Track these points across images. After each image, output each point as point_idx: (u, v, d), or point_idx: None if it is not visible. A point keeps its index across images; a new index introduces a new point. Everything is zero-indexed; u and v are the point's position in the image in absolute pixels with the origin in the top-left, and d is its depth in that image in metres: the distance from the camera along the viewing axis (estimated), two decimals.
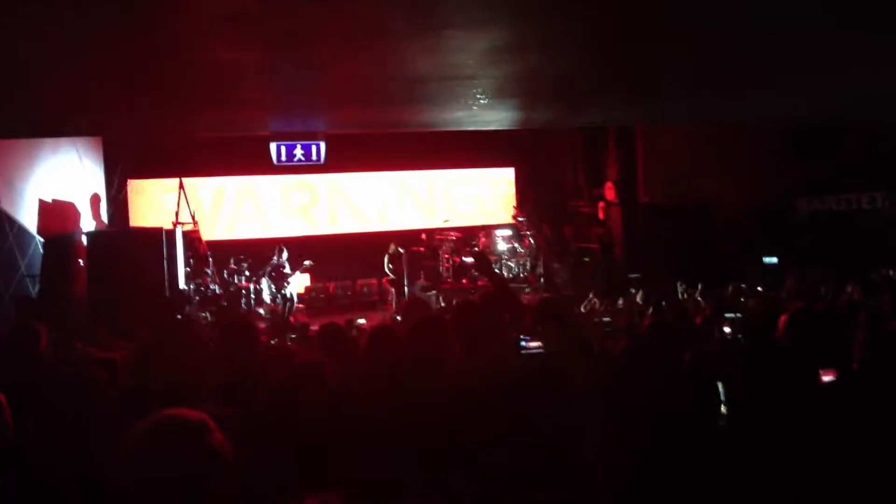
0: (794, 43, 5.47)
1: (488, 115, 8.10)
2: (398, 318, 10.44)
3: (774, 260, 12.35)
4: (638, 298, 10.62)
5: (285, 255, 13.68)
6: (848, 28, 5.09)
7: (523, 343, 3.67)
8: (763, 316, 6.99)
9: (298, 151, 8.24)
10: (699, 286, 10.42)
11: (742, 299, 9.36)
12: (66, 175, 12.28)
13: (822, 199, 13.05)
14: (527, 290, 13.87)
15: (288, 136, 8.18)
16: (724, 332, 6.39)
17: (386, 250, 14.11)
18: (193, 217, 13.60)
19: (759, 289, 10.36)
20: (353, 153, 13.76)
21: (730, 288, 10.29)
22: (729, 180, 13.51)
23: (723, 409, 4.21)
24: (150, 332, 4.05)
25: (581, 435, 3.15)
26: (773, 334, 4.54)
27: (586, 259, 14.47)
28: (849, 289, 8.36)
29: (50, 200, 11.56)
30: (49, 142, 11.51)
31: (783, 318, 4.44)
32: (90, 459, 2.67)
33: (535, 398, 3.17)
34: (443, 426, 3.25)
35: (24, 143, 10.74)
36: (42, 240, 11.21)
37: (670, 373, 4.11)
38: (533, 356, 3.67)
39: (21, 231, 10.68)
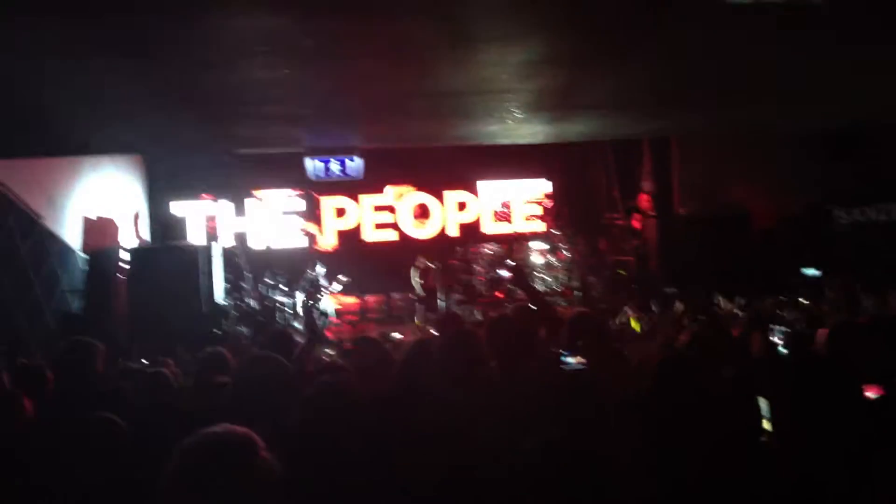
0: (831, 51, 5.41)
1: (523, 129, 8.11)
2: (433, 332, 10.43)
3: (815, 271, 12.13)
4: (675, 311, 10.49)
5: (321, 268, 13.75)
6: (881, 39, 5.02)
7: (565, 359, 3.62)
8: (805, 329, 6.88)
9: (334, 167, 8.29)
10: (737, 299, 10.27)
11: (780, 311, 9.21)
12: (107, 192, 12.51)
13: (862, 209, 12.81)
14: (562, 303, 13.77)
15: (323, 151, 8.24)
16: (765, 345, 6.27)
17: (414, 264, 14.10)
18: (232, 233, 13.78)
19: (801, 301, 10.19)
20: (388, 166, 13.82)
21: (769, 300, 10.13)
22: (765, 190, 13.33)
23: (766, 424, 4.13)
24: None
25: (618, 452, 3.11)
26: (813, 347, 4.45)
27: (622, 272, 14.33)
28: (892, 300, 8.19)
29: (93, 217, 11.78)
30: (90, 160, 11.73)
31: (823, 331, 4.35)
32: (145, 474, 2.71)
33: (573, 415, 3.14)
34: (476, 443, 3.23)
35: (65, 161, 10.96)
36: (86, 256, 11.42)
37: (709, 388, 4.05)
38: (574, 372, 3.62)
39: (63, 247, 10.89)
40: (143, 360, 7.15)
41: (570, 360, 3.58)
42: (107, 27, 4.03)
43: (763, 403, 4.21)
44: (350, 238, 16.32)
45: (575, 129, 8.63)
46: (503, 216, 16.96)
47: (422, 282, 13.97)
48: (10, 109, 6.05)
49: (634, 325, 11.43)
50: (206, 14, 3.94)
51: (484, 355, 4.05)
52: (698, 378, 3.90)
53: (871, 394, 3.80)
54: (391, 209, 16.51)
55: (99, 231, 11.91)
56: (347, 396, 2.74)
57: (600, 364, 3.69)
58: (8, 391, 3.72)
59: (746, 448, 3.82)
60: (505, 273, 13.53)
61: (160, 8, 3.76)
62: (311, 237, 15.57)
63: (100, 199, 12.14)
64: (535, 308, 5.08)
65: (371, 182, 13.88)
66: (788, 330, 6.69)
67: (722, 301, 10.24)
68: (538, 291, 8.54)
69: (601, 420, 3.33)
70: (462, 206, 16.88)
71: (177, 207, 15.19)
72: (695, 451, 3.53)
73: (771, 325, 6.94)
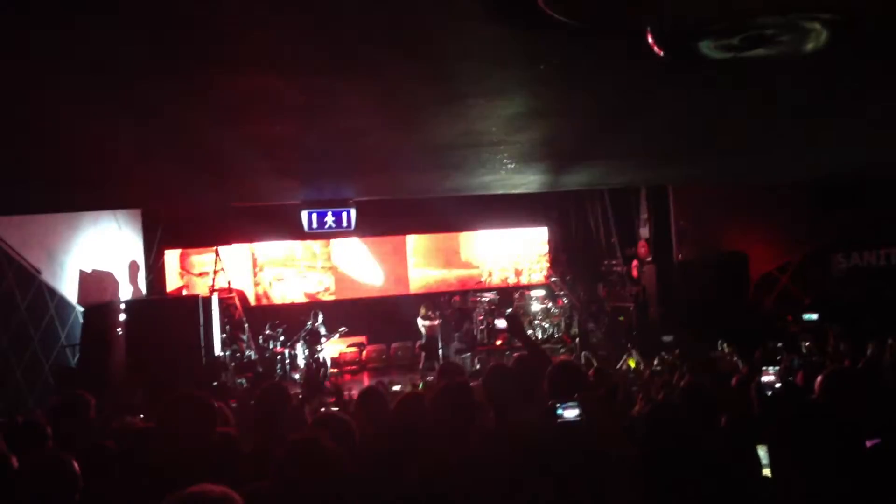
0: (819, 107, 5.48)
1: (517, 179, 8.15)
2: (431, 381, 10.38)
3: (815, 317, 12.11)
4: (673, 358, 10.45)
5: (321, 319, 13.76)
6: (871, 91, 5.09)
7: (560, 412, 3.57)
8: (803, 377, 6.84)
9: (329, 219, 8.35)
10: (735, 346, 10.23)
11: (779, 357, 9.17)
12: (106, 245, 12.58)
13: (861, 255, 12.84)
14: (562, 350, 13.74)
15: (318, 204, 8.30)
16: (763, 392, 6.21)
17: (418, 314, 14.15)
18: (229, 284, 13.81)
19: (806, 344, 10.15)
20: (385, 216, 13.95)
21: (769, 346, 10.09)
22: (763, 236, 13.39)
23: (766, 472, 4.09)
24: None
25: None
26: (811, 396, 4.43)
27: (621, 318, 14.32)
28: (889, 343, 8.15)
29: (90, 271, 11.82)
30: (89, 213, 11.83)
31: (819, 378, 4.32)
32: None
33: (567, 470, 3.12)
34: (468, 497, 3.20)
35: (65, 215, 11.05)
36: (82, 309, 11.43)
37: (705, 438, 4.03)
38: (568, 425, 3.58)
39: (62, 302, 10.91)
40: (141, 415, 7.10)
41: (566, 412, 3.55)
42: (101, 88, 4.10)
43: (762, 451, 4.18)
44: (349, 288, 16.35)
45: (570, 178, 8.67)
46: (502, 264, 17.03)
47: (423, 330, 13.98)
48: (9, 168, 6.13)
49: (631, 362, 11.41)
50: (201, 75, 4.01)
51: (477, 408, 4.02)
52: (690, 428, 3.88)
53: (871, 443, 3.77)
54: (387, 258, 16.60)
55: (96, 284, 11.95)
56: (321, 457, 2.69)
57: (595, 416, 3.66)
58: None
59: (744, 498, 3.80)
60: (502, 323, 13.52)
61: (155, 69, 3.83)
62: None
63: (98, 252, 12.21)
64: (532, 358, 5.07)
65: (368, 231, 13.95)
66: (785, 377, 6.65)
67: (724, 347, 10.19)
68: (535, 341, 8.57)
69: (594, 473, 3.31)
70: (460, 254, 16.96)
71: (174, 258, 15.26)
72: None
73: (765, 368, 6.89)
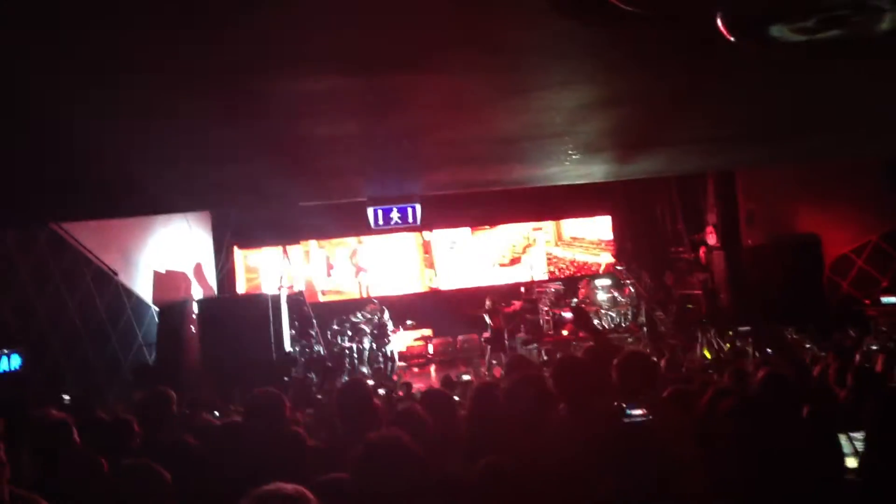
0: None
1: (582, 170, 8.07)
2: (499, 374, 10.38)
3: (893, 300, 11.72)
4: (747, 348, 10.23)
5: (387, 314, 13.89)
6: None
7: (628, 412, 3.54)
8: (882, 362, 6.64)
9: (395, 215, 8.41)
10: (809, 332, 9.96)
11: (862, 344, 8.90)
12: (178, 245, 12.91)
13: None
14: (630, 340, 13.58)
15: (384, 201, 8.37)
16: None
17: (483, 307, 14.15)
18: (297, 281, 14.05)
19: (883, 329, 9.85)
20: (449, 210, 13.99)
21: (851, 333, 9.81)
22: (834, 218, 12.98)
23: (850, 462, 3.96)
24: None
25: None
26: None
27: (689, 306, 14.08)
28: None
29: (163, 271, 12.15)
30: (161, 215, 12.15)
31: None
32: None
33: (640, 465, 3.09)
34: (543, 492, 3.20)
35: (138, 217, 11.37)
36: (157, 309, 11.76)
37: (787, 432, 3.92)
38: (635, 425, 3.54)
39: (138, 301, 11.25)
40: (215, 412, 7.29)
41: (635, 412, 3.51)
42: (175, 95, 4.19)
43: (844, 441, 4.06)
44: (414, 281, 16.46)
45: (635, 167, 8.54)
46: (564, 254, 16.94)
47: (490, 322, 13.98)
48: (86, 176, 6.33)
49: (706, 353, 11.21)
50: (272, 80, 4.07)
51: (551, 399, 4.01)
52: (776, 423, 3.77)
53: None
54: (451, 252, 16.64)
55: (170, 284, 12.27)
56: (400, 455, 2.70)
57: (663, 415, 3.60)
58: (84, 453, 3.82)
59: (829, 491, 3.69)
60: (567, 314, 13.41)
61: (228, 76, 3.91)
62: None
63: (171, 252, 12.55)
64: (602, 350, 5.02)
65: (432, 223, 14.00)
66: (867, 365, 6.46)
67: (793, 334, 9.94)
68: (601, 333, 8.47)
69: (656, 473, 3.26)
70: (524, 245, 16.91)
71: (243, 257, 15.58)
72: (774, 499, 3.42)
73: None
